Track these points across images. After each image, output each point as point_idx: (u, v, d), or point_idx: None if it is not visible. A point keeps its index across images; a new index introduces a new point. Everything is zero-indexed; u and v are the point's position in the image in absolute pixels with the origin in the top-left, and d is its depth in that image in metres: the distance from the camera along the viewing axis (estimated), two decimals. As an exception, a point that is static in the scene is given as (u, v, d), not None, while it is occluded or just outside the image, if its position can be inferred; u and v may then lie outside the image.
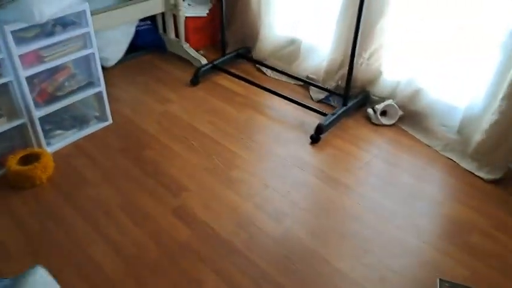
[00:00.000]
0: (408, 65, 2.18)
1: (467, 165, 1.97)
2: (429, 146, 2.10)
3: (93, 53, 2.02)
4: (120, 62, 2.71)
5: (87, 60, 2.04)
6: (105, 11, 2.36)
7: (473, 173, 1.92)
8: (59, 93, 1.99)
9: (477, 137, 1.93)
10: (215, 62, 2.64)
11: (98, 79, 2.09)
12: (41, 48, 1.82)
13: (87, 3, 1.88)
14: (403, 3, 2.07)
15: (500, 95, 1.79)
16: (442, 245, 1.58)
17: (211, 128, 2.21)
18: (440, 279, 1.42)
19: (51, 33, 1.84)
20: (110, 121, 2.22)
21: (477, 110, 1.96)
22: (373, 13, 2.12)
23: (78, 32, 1.91)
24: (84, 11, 1.89)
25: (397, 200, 1.79)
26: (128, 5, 2.46)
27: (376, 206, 1.75)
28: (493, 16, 1.81)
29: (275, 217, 1.70)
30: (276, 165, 1.98)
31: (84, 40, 1.97)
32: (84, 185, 1.85)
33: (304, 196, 1.81)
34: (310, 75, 2.58)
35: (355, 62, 2.13)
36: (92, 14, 2.21)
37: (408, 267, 1.51)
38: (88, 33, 1.95)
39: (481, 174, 1.90)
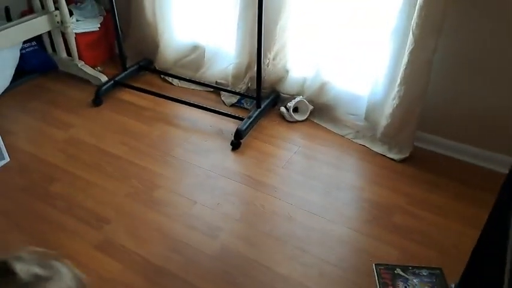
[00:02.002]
0: (312, 60, 2.26)
1: (378, 148, 2.10)
2: (342, 136, 2.20)
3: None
4: (6, 90, 2.42)
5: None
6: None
7: (384, 155, 2.06)
8: None
9: (383, 121, 2.06)
10: (116, 78, 2.48)
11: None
12: None
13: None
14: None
15: (398, 81, 1.93)
16: (371, 230, 1.67)
17: (124, 149, 2.08)
18: (375, 264, 1.50)
19: None
20: (7, 159, 1.97)
21: (379, 97, 2.09)
22: (272, 13, 2.15)
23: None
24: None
25: (321, 193, 1.85)
26: (6, 28, 2.20)
27: (304, 203, 1.79)
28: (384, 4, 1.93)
29: (209, 233, 1.66)
30: (200, 178, 1.93)
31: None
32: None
33: (234, 206, 1.78)
34: (219, 80, 2.55)
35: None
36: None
37: (344, 258, 1.57)
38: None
39: (392, 155, 2.05)
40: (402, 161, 2.02)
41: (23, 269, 0.60)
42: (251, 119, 2.19)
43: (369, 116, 2.16)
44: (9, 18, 2.50)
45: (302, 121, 2.32)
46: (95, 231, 1.65)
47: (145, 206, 1.77)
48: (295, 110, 2.33)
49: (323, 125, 2.29)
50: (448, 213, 1.74)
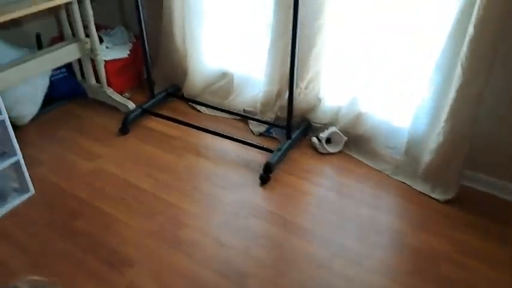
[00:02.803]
0: (347, 89, 2.14)
1: (420, 187, 1.95)
2: (379, 171, 2.06)
3: (3, 120, 1.73)
4: (35, 117, 2.40)
5: (-5, 128, 1.76)
6: (11, 67, 2.07)
7: (427, 195, 1.91)
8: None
9: (425, 157, 1.92)
10: (144, 106, 2.43)
11: (13, 147, 1.80)
12: None
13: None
14: (335, 28, 2.02)
15: (443, 116, 1.79)
16: (413, 282, 1.52)
17: (150, 182, 2.01)
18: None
19: None
20: (32, 191, 1.93)
21: (421, 131, 1.95)
22: (306, 41, 2.05)
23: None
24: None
25: (358, 237, 1.71)
26: (38, 56, 2.18)
27: (340, 249, 1.66)
28: (427, 35, 1.81)
29: (237, 281, 1.54)
30: (228, 216, 1.82)
31: (-11, 107, 1.69)
32: (11, 277, 1.56)
33: (264, 249, 1.67)
34: (247, 108, 2.46)
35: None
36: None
37: (386, 315, 1.43)
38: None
39: (435, 195, 1.89)
40: (447, 201, 1.86)
41: None
42: (281, 151, 2.08)
43: (410, 151, 2.02)
44: (40, 45, 2.51)
45: (335, 153, 2.19)
46: (117, 275, 1.56)
47: (171, 247, 1.68)
48: (328, 141, 2.21)
49: (358, 158, 2.15)
50: (501, 264, 1.57)
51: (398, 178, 2.01)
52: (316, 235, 1.73)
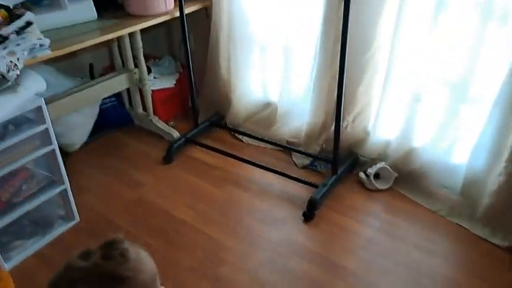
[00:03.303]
0: (397, 122, 2.04)
1: (478, 231, 1.79)
2: (433, 211, 1.92)
3: (54, 149, 1.78)
4: (85, 144, 2.47)
5: (47, 157, 1.80)
6: (65, 96, 2.15)
7: (486, 240, 1.75)
8: (16, 200, 1.73)
9: (484, 199, 1.77)
10: (188, 135, 2.44)
11: (61, 176, 1.84)
12: (-10, 156, 1.59)
13: (42, 99, 1.66)
14: (384, 60, 1.94)
15: (505, 155, 1.65)
16: None
17: (191, 214, 1.98)
18: None
19: (1, 137, 1.60)
20: (77, 219, 1.96)
21: (480, 170, 1.81)
22: (353, 73, 1.99)
23: (34, 130, 1.68)
24: (39, 107, 1.67)
25: (407, 283, 1.59)
26: (90, 86, 2.26)
27: (390, 296, 1.54)
28: (485, 67, 1.69)
29: (277, 327, 1.46)
30: (269, 254, 1.75)
31: (42, 137, 1.74)
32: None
33: (306, 293, 1.58)
34: (291, 140, 2.40)
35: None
36: (50, 101, 2.02)
37: None
38: (46, 129, 1.72)
39: (496, 240, 1.73)
40: (509, 248, 1.69)
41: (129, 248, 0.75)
42: (326, 187, 1.99)
43: (466, 191, 1.87)
44: (92, 75, 2.60)
45: (384, 190, 2.07)
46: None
47: (210, 285, 1.62)
48: (377, 176, 2.11)
49: (410, 196, 2.03)
50: None
51: (454, 220, 1.86)
52: (361, 279, 1.61)
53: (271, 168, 2.17)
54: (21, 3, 1.71)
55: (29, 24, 1.62)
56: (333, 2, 1.93)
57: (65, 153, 2.34)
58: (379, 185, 2.08)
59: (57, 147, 1.79)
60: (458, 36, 1.72)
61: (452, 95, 1.83)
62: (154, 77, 2.56)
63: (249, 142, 2.49)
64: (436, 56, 1.78)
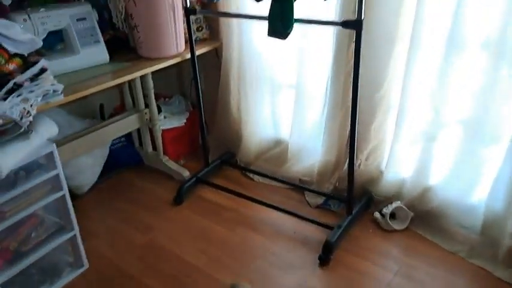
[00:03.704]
0: (412, 160, 2.00)
1: (501, 273, 1.73)
2: (452, 253, 1.86)
3: (64, 195, 1.76)
4: (93, 186, 2.45)
5: (56, 202, 1.77)
6: (75, 139, 2.14)
7: (510, 284, 1.68)
8: (24, 248, 1.69)
9: (506, 240, 1.71)
10: (199, 175, 2.41)
11: (71, 221, 1.81)
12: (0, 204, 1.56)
13: (54, 145, 1.65)
14: (397, 98, 1.93)
15: (525, 195, 1.61)
16: None
17: (203, 259, 1.93)
18: None
19: (12, 184, 1.58)
20: (86, 266, 1.91)
21: (500, 209, 1.76)
22: (366, 112, 1.97)
23: (45, 176, 1.66)
24: (51, 153, 1.66)
25: (435, 333, 1.51)
26: (100, 128, 2.26)
27: None
28: (499, 111, 1.67)
29: None
30: (285, 302, 1.69)
31: (53, 183, 1.72)
32: None
33: None
34: (303, 178, 2.37)
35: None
36: (61, 144, 2.01)
37: None
38: (57, 175, 1.70)
39: (521, 285, 1.66)
40: (537, 294, 1.62)
41: None
42: (342, 229, 1.94)
43: (487, 231, 1.82)
44: (102, 115, 2.61)
45: (401, 230, 2.02)
46: None
47: (224, 336, 1.56)
48: (392, 216, 2.05)
49: (427, 237, 1.97)
50: None
51: (475, 262, 1.80)
52: (384, 329, 1.54)
53: (284, 208, 2.13)
54: (36, 50, 1.73)
55: (43, 71, 1.63)
56: (342, 42, 1.94)
57: (73, 196, 2.31)
58: (395, 225, 2.03)
59: (68, 193, 1.77)
60: (471, 75, 1.71)
61: (467, 133, 1.80)
62: (164, 117, 2.56)
63: (261, 180, 2.46)
64: (449, 95, 1.77)
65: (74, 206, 1.83)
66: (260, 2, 1.77)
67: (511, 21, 1.52)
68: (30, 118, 1.55)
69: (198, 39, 2.34)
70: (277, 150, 2.47)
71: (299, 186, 2.33)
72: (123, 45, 2.26)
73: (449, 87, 1.75)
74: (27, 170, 1.65)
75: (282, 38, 1.75)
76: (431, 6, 1.66)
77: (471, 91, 1.72)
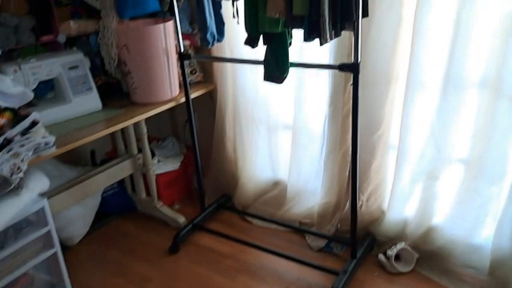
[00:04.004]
0: (414, 200, 1.97)
1: (514, 317, 1.67)
2: (462, 295, 1.80)
3: (56, 252, 1.67)
4: (85, 236, 2.35)
5: (48, 259, 1.68)
6: (66, 189, 2.06)
7: (526, 329, 1.62)
8: (12, 311, 1.59)
9: (517, 281, 1.66)
10: (195, 221, 2.33)
11: (62, 280, 1.71)
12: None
13: (45, 200, 1.59)
14: (396, 137, 1.91)
15: (534, 235, 1.57)
16: None
17: (203, 312, 1.83)
18: None
19: (1, 244, 1.50)
20: (78, 326, 1.80)
21: (507, 249, 1.72)
22: (365, 153, 1.95)
23: (36, 234, 1.59)
24: (42, 209, 1.58)
25: None
26: (92, 176, 2.18)
27: None
28: (500, 150, 1.66)
29: None
30: None
31: (45, 240, 1.64)
32: None
33: None
34: (303, 220, 2.31)
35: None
36: (51, 196, 1.94)
37: None
38: (49, 231, 1.62)
39: (536, 329, 1.60)
40: None
41: None
42: (347, 274, 1.87)
43: (495, 271, 1.77)
44: (94, 161, 2.54)
45: (407, 272, 1.96)
46: None
47: None
48: (397, 257, 1.99)
49: (434, 278, 1.91)
50: None
51: (486, 305, 1.74)
52: None
53: (287, 254, 2.06)
54: (26, 102, 1.68)
55: (34, 124, 1.58)
56: (339, 84, 1.93)
57: (63, 248, 2.21)
58: (400, 267, 1.96)
59: (60, 250, 1.69)
60: (470, 113, 1.70)
61: (470, 171, 1.78)
62: (158, 161, 2.50)
63: (259, 224, 2.39)
64: (449, 133, 1.76)
65: (64, 257, 1.74)
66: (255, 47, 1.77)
67: (508, 56, 1.52)
68: (21, 174, 1.49)
69: (192, 82, 2.32)
70: (276, 192, 2.42)
71: (299, 229, 2.27)
72: (115, 90, 2.23)
73: (449, 125, 1.74)
74: (17, 228, 1.57)
75: (278, 83, 1.74)
76: (427, 46, 1.67)
77: (471, 129, 1.71)
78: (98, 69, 2.17)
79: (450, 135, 1.75)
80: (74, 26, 1.98)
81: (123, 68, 2.07)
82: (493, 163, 1.68)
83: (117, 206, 2.52)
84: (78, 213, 2.23)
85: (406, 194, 1.97)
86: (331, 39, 1.47)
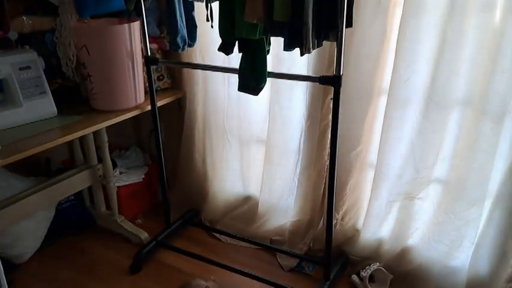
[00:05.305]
0: (390, 221, 1.90)
1: None
2: (439, 320, 1.74)
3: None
4: (36, 252, 2.13)
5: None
6: (16, 202, 1.86)
7: None
8: None
9: (495, 307, 1.61)
10: (159, 238, 2.17)
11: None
12: None
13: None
14: (373, 156, 1.84)
15: (511, 261, 1.53)
16: None
17: None
18: None
19: None
20: None
21: (484, 273, 1.68)
22: (340, 170, 1.86)
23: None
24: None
25: None
26: (45, 187, 1.99)
27: None
28: (480, 171, 1.61)
29: None
30: None
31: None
32: None
33: None
34: (274, 238, 2.20)
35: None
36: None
37: None
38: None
39: None
40: None
41: None
42: (322, 298, 1.77)
43: (472, 296, 1.71)
44: (49, 171, 2.33)
45: (381, 294, 1.88)
46: None
47: None
48: (371, 278, 1.92)
49: (410, 301, 1.84)
50: None
51: (463, 329, 1.69)
52: None
53: (255, 275, 1.93)
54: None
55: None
56: (316, 97, 1.85)
57: (12, 266, 2.00)
58: (375, 289, 1.89)
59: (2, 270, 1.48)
60: (451, 133, 1.65)
61: (448, 193, 1.73)
62: (120, 172, 2.32)
63: (228, 241, 2.25)
64: (429, 153, 1.69)
65: (11, 280, 1.54)
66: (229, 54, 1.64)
67: (494, 74, 1.47)
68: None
69: (158, 88, 2.17)
70: (246, 208, 2.29)
71: (270, 247, 2.15)
72: (73, 95, 2.04)
73: (429, 145, 1.67)
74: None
75: (254, 94, 1.62)
76: (411, 62, 1.59)
77: (452, 149, 1.66)
78: (54, 71, 1.98)
79: (430, 156, 1.69)
80: (27, 22, 1.79)
81: (82, 70, 1.89)
82: (474, 185, 1.63)
83: (73, 220, 2.32)
84: (28, 228, 2.03)
85: (382, 213, 1.90)
86: (313, 49, 1.37)
